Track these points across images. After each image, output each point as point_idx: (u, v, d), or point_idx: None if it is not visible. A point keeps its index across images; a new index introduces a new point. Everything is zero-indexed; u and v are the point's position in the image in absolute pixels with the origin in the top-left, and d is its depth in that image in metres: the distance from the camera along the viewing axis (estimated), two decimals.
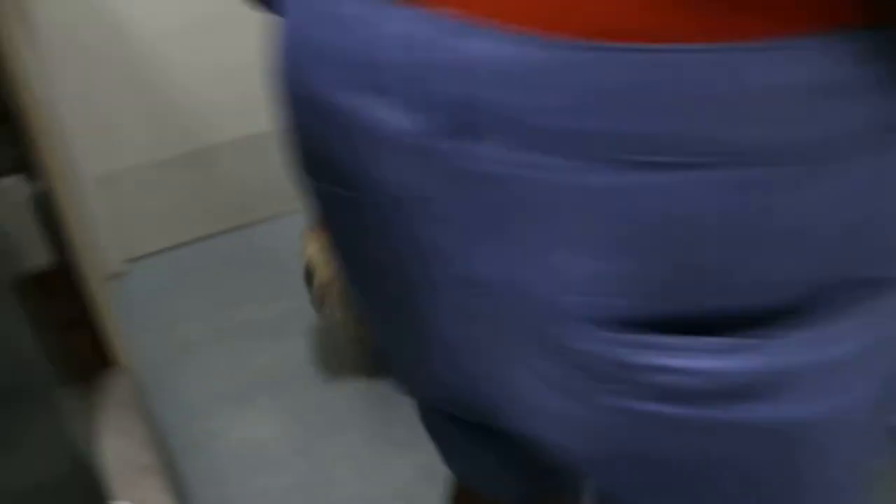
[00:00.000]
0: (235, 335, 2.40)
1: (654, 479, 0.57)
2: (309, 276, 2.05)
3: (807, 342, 0.50)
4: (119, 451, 1.60)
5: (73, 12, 2.50)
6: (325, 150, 0.59)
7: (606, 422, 0.55)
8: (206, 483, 1.85)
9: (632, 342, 0.51)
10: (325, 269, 1.98)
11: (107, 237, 2.77)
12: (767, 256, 0.48)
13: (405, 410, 1.98)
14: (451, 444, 0.90)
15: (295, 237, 2.41)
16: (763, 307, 0.49)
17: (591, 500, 0.69)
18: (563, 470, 0.63)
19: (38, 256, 1.75)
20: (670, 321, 0.50)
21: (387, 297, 0.65)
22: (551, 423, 0.58)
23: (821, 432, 0.53)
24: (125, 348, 2.01)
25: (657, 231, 0.47)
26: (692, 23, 0.42)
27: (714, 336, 0.50)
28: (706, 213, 0.46)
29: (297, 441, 1.97)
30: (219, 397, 2.15)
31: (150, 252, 2.90)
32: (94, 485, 1.39)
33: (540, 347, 0.54)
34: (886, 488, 0.82)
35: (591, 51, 0.44)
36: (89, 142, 2.65)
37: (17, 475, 1.29)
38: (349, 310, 1.94)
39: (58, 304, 1.95)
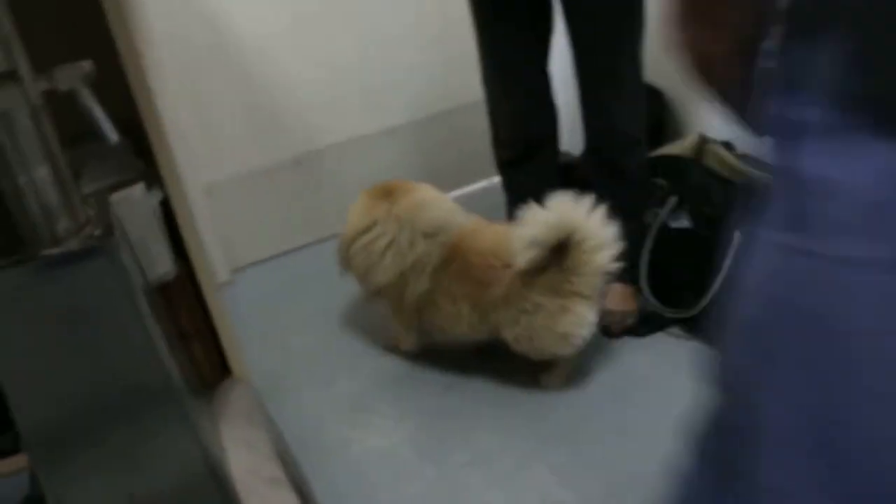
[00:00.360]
0: (347, 341, 2.37)
1: None
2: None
3: None
4: (245, 462, 1.57)
5: (183, 22, 2.53)
6: None
7: None
8: (334, 495, 1.81)
9: None
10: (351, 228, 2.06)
11: (213, 247, 2.78)
12: None
13: (535, 412, 1.93)
14: None
15: None
16: None
17: None
18: None
19: (163, 266, 1.75)
20: None
21: None
22: None
23: None
24: (243, 359, 2.00)
25: None
26: None
27: None
28: None
29: (424, 447, 1.92)
30: (338, 406, 2.11)
31: (255, 261, 2.91)
32: (226, 496, 1.37)
33: None
34: None
35: None
36: (197, 150, 2.67)
37: (152, 481, 1.30)
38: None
39: (176, 315, 1.96)
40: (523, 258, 1.80)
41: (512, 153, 2.14)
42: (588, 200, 1.83)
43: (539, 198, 1.84)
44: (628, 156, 2.02)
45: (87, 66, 1.10)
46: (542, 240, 1.79)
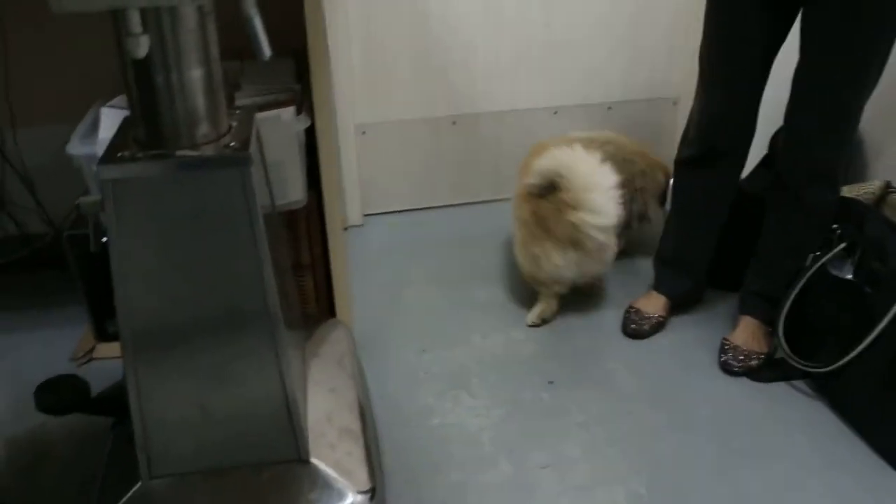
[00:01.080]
0: (463, 312, 2.38)
1: None
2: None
3: None
4: (323, 405, 1.55)
5: None
6: None
7: None
8: (404, 463, 1.81)
9: None
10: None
11: (352, 187, 2.85)
12: None
13: (629, 432, 1.86)
14: None
15: None
16: None
17: None
18: None
19: (295, 193, 1.78)
20: None
21: None
22: None
23: None
24: (349, 304, 2.03)
25: None
26: None
27: None
28: None
29: (506, 439, 1.89)
30: (433, 374, 2.11)
31: (391, 210, 2.96)
32: (294, 438, 1.38)
33: None
34: None
35: None
36: (360, 90, 2.72)
37: (227, 398, 1.32)
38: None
39: (297, 245, 1.99)
40: (528, 196, 2.21)
41: (695, 153, 2.10)
42: (582, 150, 2.18)
43: (707, 208, 2.15)
44: (820, 196, 1.94)
45: None
46: (536, 183, 2.18)
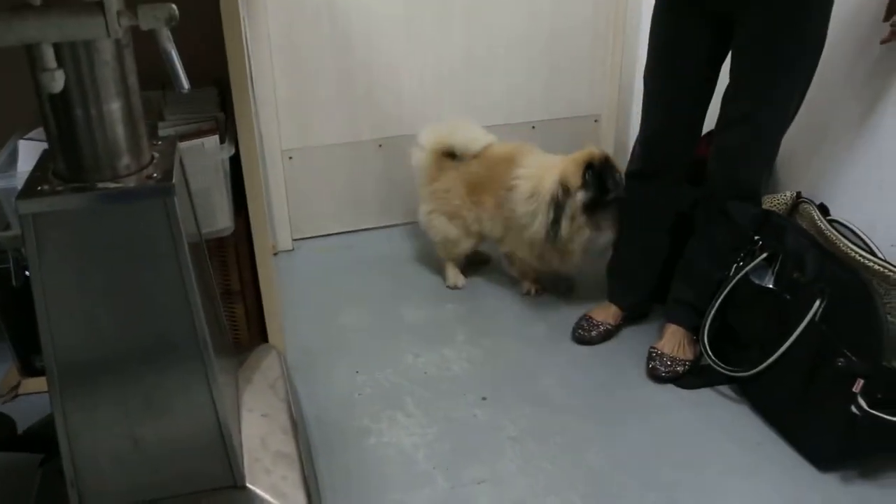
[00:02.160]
0: (395, 331, 2.38)
1: None
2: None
3: None
4: (258, 430, 1.57)
5: None
6: None
7: None
8: (342, 485, 1.78)
9: None
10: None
11: (281, 212, 2.83)
12: None
13: (563, 444, 1.90)
14: None
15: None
16: None
17: None
18: None
19: (222, 221, 1.77)
20: None
21: None
22: None
23: None
24: (281, 328, 2.02)
25: None
26: None
27: None
28: None
29: (441, 456, 1.91)
30: (368, 394, 2.11)
31: (321, 234, 2.94)
32: (229, 465, 1.38)
33: None
34: None
35: None
36: (287, 117, 2.71)
37: (159, 428, 1.31)
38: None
39: (227, 272, 1.98)
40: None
41: (638, 168, 2.19)
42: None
43: (651, 220, 2.23)
44: (742, 208, 2.02)
45: (171, 8, 1.12)
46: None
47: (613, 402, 2.08)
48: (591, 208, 2.24)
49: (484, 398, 2.10)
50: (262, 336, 2.01)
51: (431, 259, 2.73)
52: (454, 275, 2.62)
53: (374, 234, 2.97)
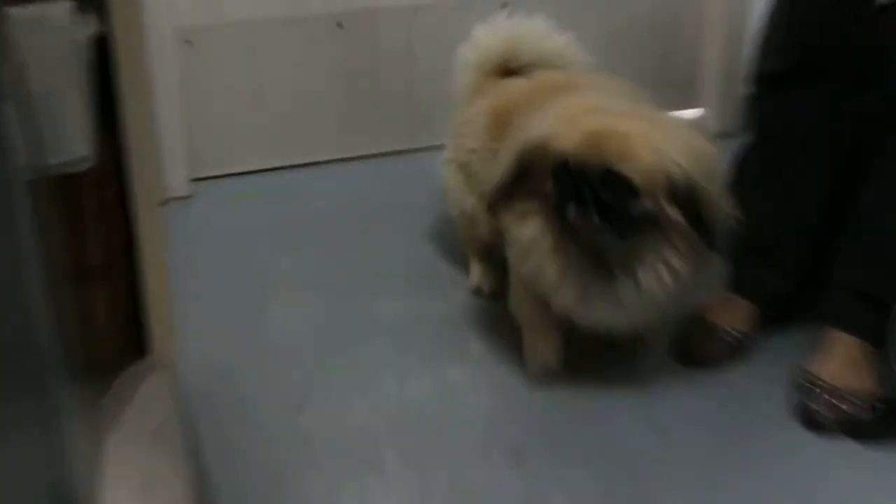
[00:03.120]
0: (357, 335, 2.41)
1: None
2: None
3: None
4: (133, 479, 1.60)
5: None
6: None
7: None
8: None
9: None
10: None
11: (173, 134, 2.82)
12: None
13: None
14: None
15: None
16: None
17: None
18: None
19: (77, 147, 1.74)
20: None
21: None
22: None
23: None
24: (173, 331, 1.99)
25: None
26: None
27: None
28: None
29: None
30: (318, 447, 2.11)
31: (238, 171, 2.99)
32: None
33: None
34: None
35: None
36: None
37: None
38: None
39: (81, 235, 1.93)
40: None
41: (779, 65, 2.24)
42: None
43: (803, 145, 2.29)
44: None
45: None
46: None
47: (740, 467, 2.08)
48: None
49: (517, 454, 2.09)
50: (139, 345, 1.99)
51: (421, 211, 2.77)
52: (477, 273, 2.62)
53: (326, 171, 3.03)
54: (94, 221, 1.93)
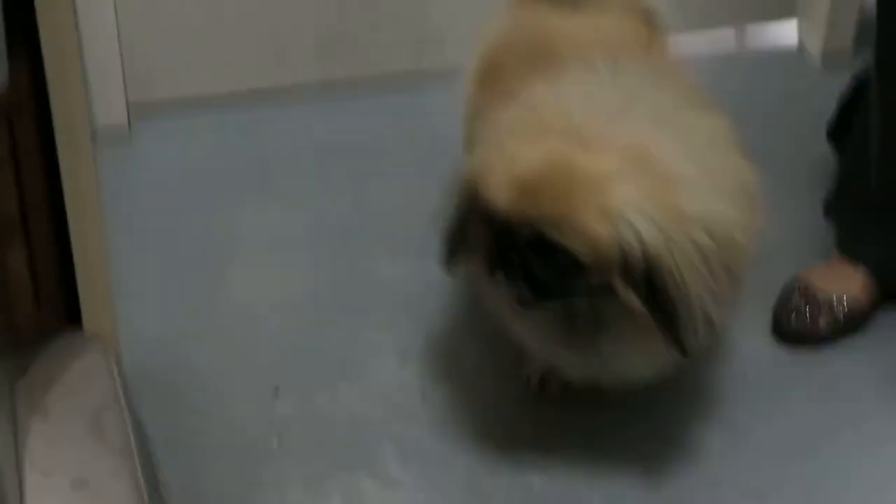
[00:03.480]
0: (352, 308, 2.41)
1: None
2: None
3: None
4: (63, 478, 1.61)
5: None
6: None
7: None
8: None
9: None
10: None
11: (107, 53, 2.81)
12: None
13: None
14: None
15: None
16: None
17: None
18: None
19: None
20: None
21: None
22: None
23: None
24: (109, 297, 2.00)
25: None
26: None
27: None
28: None
29: None
30: (297, 439, 2.13)
31: (191, 96, 2.98)
32: None
33: None
34: None
35: None
36: None
37: None
38: None
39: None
40: None
41: None
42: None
43: None
44: None
45: None
46: None
47: (850, 489, 2.11)
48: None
49: (545, 452, 2.12)
50: (69, 314, 2.00)
51: (439, 158, 2.69)
52: None
53: (309, 99, 3.01)
54: (9, 163, 1.93)
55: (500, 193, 1.87)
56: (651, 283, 1.81)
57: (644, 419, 2.19)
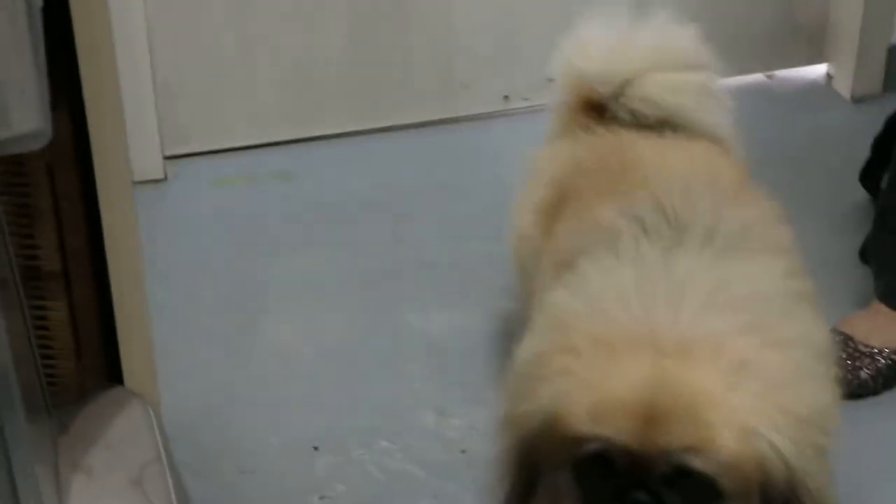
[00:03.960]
0: (391, 360, 2.40)
1: None
2: None
3: None
4: None
5: None
6: None
7: None
8: None
9: None
10: None
11: (145, 101, 2.81)
12: None
13: None
14: None
15: None
16: None
17: None
18: None
19: (27, 119, 1.70)
20: None
21: None
22: None
23: None
24: (151, 353, 2.00)
25: None
26: None
27: None
28: None
29: None
30: (342, 497, 2.11)
31: (225, 147, 2.98)
32: None
33: None
34: None
35: None
36: None
37: None
38: None
39: (30, 229, 1.93)
40: None
41: None
42: None
43: None
44: None
45: None
46: None
47: None
48: None
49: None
50: (111, 371, 1.99)
51: (470, 204, 2.75)
52: None
53: (341, 148, 3.01)
54: (49, 215, 1.93)
55: (611, 426, 1.60)
56: (792, 498, 1.62)
57: None
